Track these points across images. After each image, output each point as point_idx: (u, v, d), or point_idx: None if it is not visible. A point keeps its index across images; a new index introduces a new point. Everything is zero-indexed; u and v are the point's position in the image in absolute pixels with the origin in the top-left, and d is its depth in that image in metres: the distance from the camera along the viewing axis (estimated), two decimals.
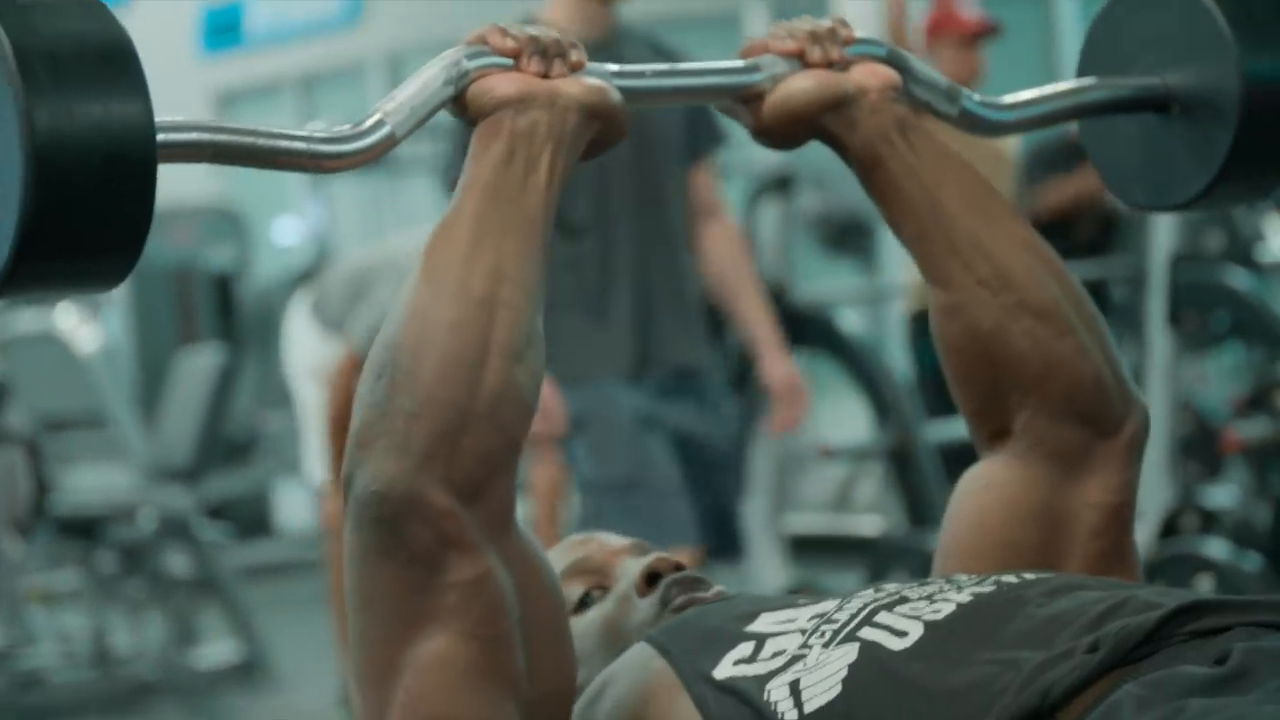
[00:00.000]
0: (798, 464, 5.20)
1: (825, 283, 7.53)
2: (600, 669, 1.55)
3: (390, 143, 1.49)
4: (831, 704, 1.35)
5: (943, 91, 1.66)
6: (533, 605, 1.43)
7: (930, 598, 1.43)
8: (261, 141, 1.45)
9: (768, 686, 1.39)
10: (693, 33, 11.13)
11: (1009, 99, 1.69)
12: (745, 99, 1.62)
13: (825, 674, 1.37)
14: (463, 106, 1.51)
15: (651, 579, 1.63)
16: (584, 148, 1.53)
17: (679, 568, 1.65)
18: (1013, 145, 6.31)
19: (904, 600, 1.44)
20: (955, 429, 5.25)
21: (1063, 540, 1.60)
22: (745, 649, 1.44)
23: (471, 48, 1.52)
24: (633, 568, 1.66)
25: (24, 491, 6.44)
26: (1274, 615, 1.34)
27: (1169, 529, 4.37)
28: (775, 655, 1.42)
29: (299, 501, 9.66)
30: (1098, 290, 6.18)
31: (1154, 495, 5.16)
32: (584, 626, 1.63)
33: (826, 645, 1.40)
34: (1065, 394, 1.59)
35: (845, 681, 1.36)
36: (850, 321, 4.75)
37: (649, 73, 1.61)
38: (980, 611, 1.40)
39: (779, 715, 1.36)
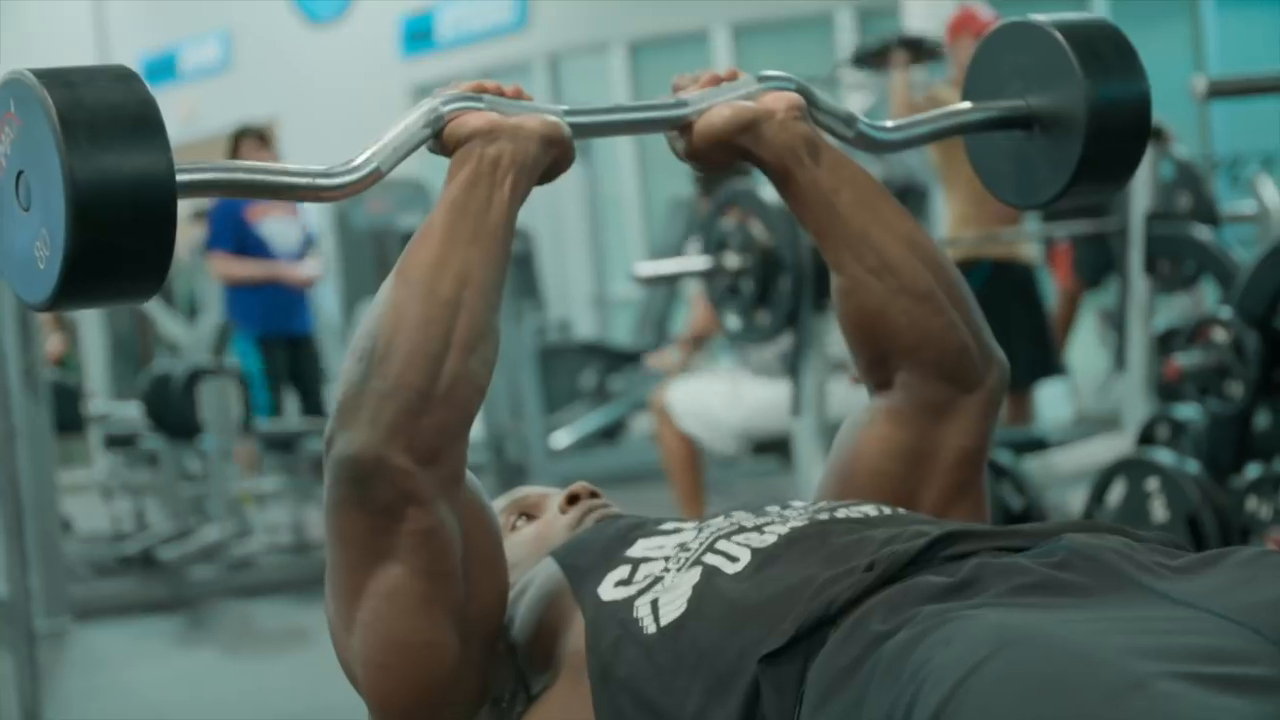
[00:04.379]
0: (836, 388, 5.22)
1: None
2: (529, 571, 1.62)
3: (377, 176, 1.50)
4: (679, 618, 1.40)
5: (842, 118, 1.68)
6: (475, 545, 1.47)
7: (760, 529, 1.48)
8: (270, 178, 1.46)
9: (635, 604, 1.44)
10: (787, 33, 11.09)
11: (895, 122, 1.72)
12: (678, 129, 1.63)
13: (677, 594, 1.42)
14: (440, 144, 1.52)
15: (572, 500, 1.70)
16: (541, 173, 1.54)
17: (594, 494, 1.71)
18: None
19: (741, 530, 1.48)
20: None
21: (923, 473, 1.63)
22: (623, 571, 1.49)
23: (445, 95, 1.53)
24: (557, 498, 1.72)
25: (236, 415, 6.60)
26: (1009, 541, 1.38)
27: (1145, 437, 4.33)
28: (645, 578, 1.47)
29: None
30: (1101, 241, 6.12)
31: (1135, 409, 5.13)
32: (520, 539, 1.70)
33: (680, 570, 1.45)
34: (935, 360, 1.61)
35: (689, 600, 1.41)
36: None
37: (594, 110, 1.61)
38: (795, 541, 1.44)
39: (642, 628, 1.41)
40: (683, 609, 1.40)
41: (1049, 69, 1.65)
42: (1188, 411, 4.28)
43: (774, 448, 5.74)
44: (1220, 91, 3.20)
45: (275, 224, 7.65)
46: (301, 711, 4.52)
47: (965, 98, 1.74)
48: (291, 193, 1.48)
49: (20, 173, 1.34)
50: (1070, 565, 1.27)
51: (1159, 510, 3.65)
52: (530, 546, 1.67)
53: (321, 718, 4.33)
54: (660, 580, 1.45)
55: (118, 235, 1.29)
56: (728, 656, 1.34)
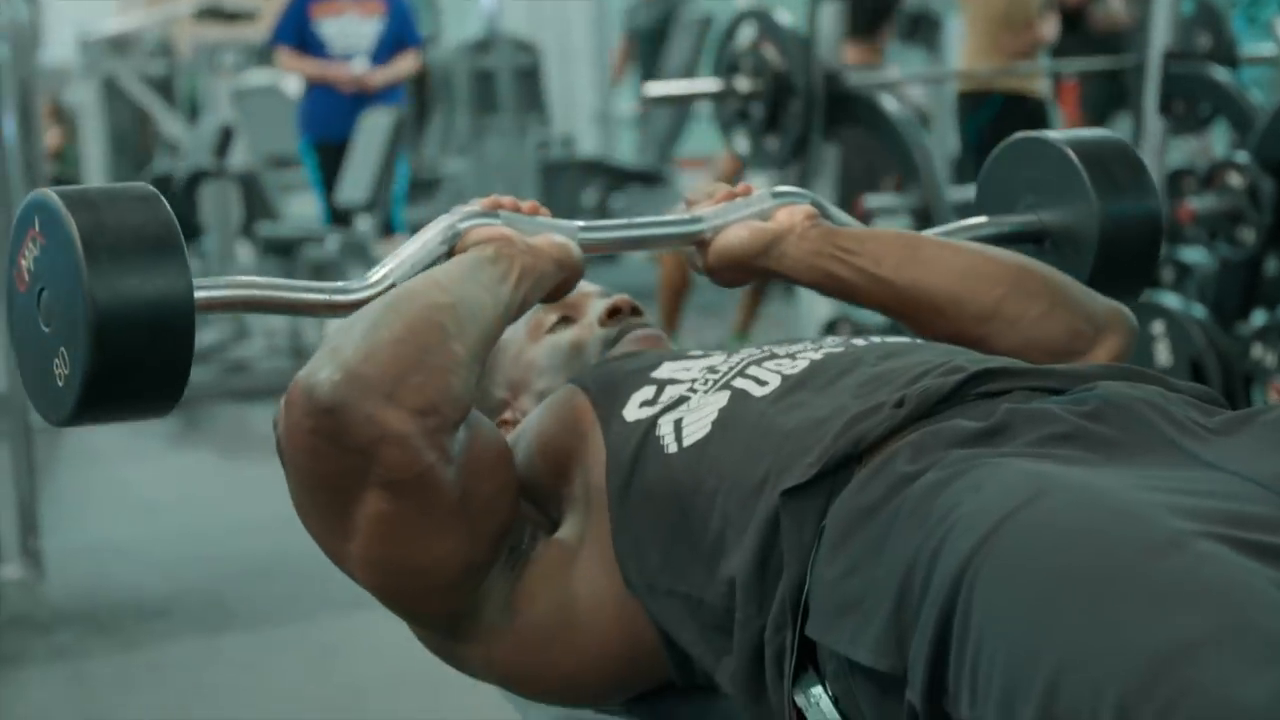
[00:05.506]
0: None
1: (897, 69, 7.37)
2: (562, 378, 1.60)
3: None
4: (702, 439, 1.37)
5: None
6: (478, 458, 1.39)
7: (793, 355, 1.45)
8: (288, 294, 1.46)
9: (658, 422, 1.41)
10: None
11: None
12: (695, 244, 1.62)
13: (701, 415, 1.39)
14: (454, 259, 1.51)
15: (613, 313, 1.67)
16: (548, 290, 1.52)
17: (635, 310, 1.68)
18: None
19: (773, 357, 1.45)
20: (970, 193, 5.16)
21: None
22: (649, 392, 1.46)
23: (463, 212, 1.52)
24: (599, 305, 1.68)
25: (236, 218, 6.56)
26: (1045, 381, 1.34)
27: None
28: (670, 398, 1.44)
29: None
30: (1110, 79, 6.04)
31: None
32: (554, 343, 1.67)
33: (708, 391, 1.42)
34: (1045, 351, 1.58)
35: (714, 422, 1.38)
36: (890, 103, 4.65)
37: (608, 226, 1.61)
38: (825, 367, 1.41)
39: (663, 447, 1.39)
40: (707, 430, 1.37)
41: (1062, 186, 1.68)
42: (1194, 255, 4.25)
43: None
44: None
45: (344, 22, 7.30)
46: (292, 513, 4.54)
47: (978, 210, 1.75)
48: (308, 309, 1.48)
49: (42, 289, 1.35)
50: (1102, 416, 1.24)
51: (1163, 354, 3.63)
52: (563, 357, 1.65)
53: None
54: (686, 400, 1.42)
55: (136, 356, 1.31)
56: (749, 484, 1.31)
